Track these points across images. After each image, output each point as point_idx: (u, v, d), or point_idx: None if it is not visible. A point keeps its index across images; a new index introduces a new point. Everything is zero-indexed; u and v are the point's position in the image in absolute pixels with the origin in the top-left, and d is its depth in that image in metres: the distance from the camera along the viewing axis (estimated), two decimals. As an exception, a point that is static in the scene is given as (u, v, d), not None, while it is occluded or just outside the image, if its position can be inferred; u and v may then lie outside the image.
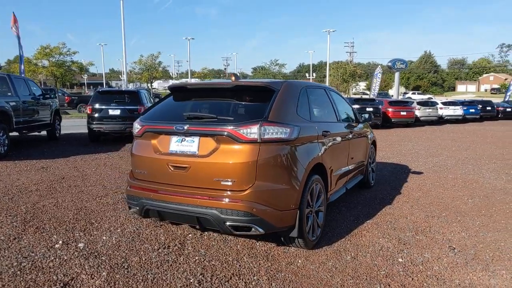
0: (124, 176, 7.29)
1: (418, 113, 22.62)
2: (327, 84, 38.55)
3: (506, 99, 36.78)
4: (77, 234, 4.35)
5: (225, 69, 77.29)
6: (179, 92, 4.29)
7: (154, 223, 4.66)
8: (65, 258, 3.67)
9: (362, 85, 70.54)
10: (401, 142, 13.83)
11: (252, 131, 3.37)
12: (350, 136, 5.32)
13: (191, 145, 3.58)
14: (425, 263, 3.68)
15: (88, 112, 11.99)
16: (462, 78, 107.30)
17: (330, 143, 4.45)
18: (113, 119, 12.11)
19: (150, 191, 3.72)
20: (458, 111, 25.45)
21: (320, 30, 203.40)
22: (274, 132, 3.41)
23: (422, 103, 24.08)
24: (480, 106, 27.39)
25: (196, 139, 3.57)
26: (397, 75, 31.81)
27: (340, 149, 4.88)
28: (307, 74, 79.20)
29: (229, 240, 4.17)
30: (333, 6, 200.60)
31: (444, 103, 25.96)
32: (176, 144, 3.66)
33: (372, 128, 19.98)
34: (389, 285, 3.25)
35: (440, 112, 24.49)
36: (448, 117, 24.99)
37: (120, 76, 69.92)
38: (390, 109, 21.03)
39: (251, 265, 3.60)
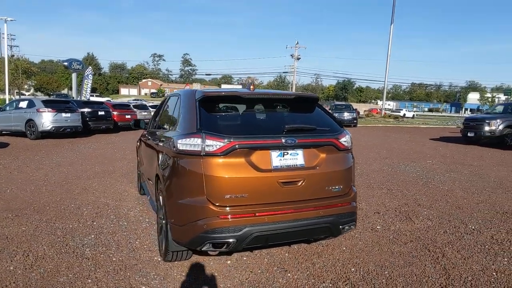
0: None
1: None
2: (7, 82, 32.21)
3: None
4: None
5: None
6: (231, 101, 3.71)
7: (182, 264, 3.77)
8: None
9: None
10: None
11: (346, 139, 3.74)
12: None
13: (295, 158, 3.45)
14: (392, 224, 5.20)
15: None
16: (124, 82, 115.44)
17: None
18: None
19: (261, 215, 3.24)
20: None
21: None
22: (350, 140, 3.89)
23: (138, 107, 25.26)
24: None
25: (300, 151, 3.47)
26: (74, 75, 30.80)
27: None
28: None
29: (289, 251, 4.13)
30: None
31: (151, 106, 28.22)
32: (278, 159, 3.38)
33: (104, 132, 19.47)
34: (419, 239, 4.55)
35: (153, 114, 26.58)
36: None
37: None
38: (115, 113, 20.89)
39: (349, 261, 3.93)
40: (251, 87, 3.97)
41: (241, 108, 3.75)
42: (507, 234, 4.85)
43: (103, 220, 5.24)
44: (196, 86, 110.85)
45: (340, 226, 3.61)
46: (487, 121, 15.39)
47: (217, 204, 3.21)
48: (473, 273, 3.75)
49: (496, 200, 6.57)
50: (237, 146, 3.24)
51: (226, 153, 3.22)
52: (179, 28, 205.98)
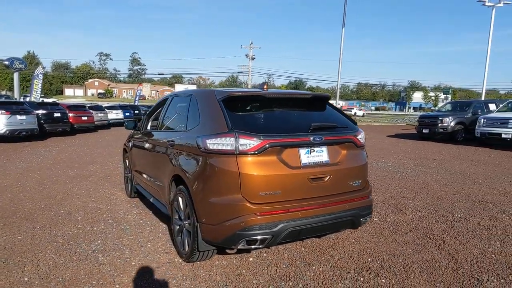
0: None
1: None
2: None
3: (136, 103, 42.45)
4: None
5: None
6: (254, 100, 3.75)
7: (209, 263, 3.76)
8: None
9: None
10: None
11: (362, 136, 3.94)
12: None
13: (321, 155, 3.58)
14: (387, 216, 5.51)
15: None
16: (69, 82, 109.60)
17: None
18: None
19: (294, 211, 3.33)
20: (120, 114, 27.51)
21: None
22: (364, 137, 4.09)
23: (93, 107, 24.18)
24: (132, 110, 30.77)
25: (324, 148, 3.61)
26: (16, 75, 28.80)
27: None
28: None
29: (304, 246, 4.24)
30: None
31: (107, 107, 27.14)
32: (306, 156, 3.50)
33: (61, 135, 18.56)
34: (417, 228, 4.86)
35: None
36: (113, 121, 26.38)
37: None
38: (71, 114, 19.85)
39: (363, 251, 4.12)
40: (265, 86, 4.04)
41: (262, 107, 3.80)
42: (490, 221, 5.32)
43: (102, 225, 5.06)
44: (146, 86, 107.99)
45: (361, 219, 3.80)
46: (440, 119, 16.55)
47: (253, 201, 3.26)
48: (475, 256, 4.10)
49: (469, 190, 7.15)
50: (269, 144, 3.31)
51: (260, 151, 3.28)
52: (127, 25, 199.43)
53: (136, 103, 42.87)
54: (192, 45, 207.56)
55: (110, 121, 25.75)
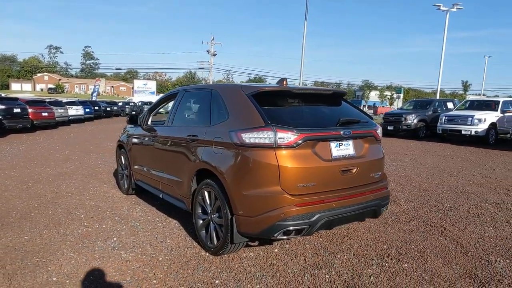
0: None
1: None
2: None
3: (94, 99, 40.83)
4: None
5: None
6: (281, 96, 3.83)
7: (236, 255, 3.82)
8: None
9: None
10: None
11: (380, 131, 4.16)
12: None
13: (348, 148, 3.75)
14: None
15: None
16: (15, 76, 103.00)
17: None
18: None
19: (328, 201, 3.47)
20: (80, 110, 26.38)
21: None
22: (381, 132, 4.32)
23: (53, 103, 22.99)
24: (92, 106, 29.60)
25: (350, 142, 3.78)
26: None
27: None
28: None
29: (321, 236, 4.39)
30: None
31: (67, 103, 25.89)
32: (336, 149, 3.65)
33: (20, 132, 17.61)
34: (416, 217, 5.18)
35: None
36: (73, 117, 25.24)
37: None
38: (31, 110, 18.78)
39: (377, 239, 4.34)
40: (284, 82, 4.15)
41: (289, 102, 3.91)
42: (477, 209, 5.79)
43: (110, 222, 4.94)
44: (101, 81, 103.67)
45: (381, 208, 4.03)
46: (404, 116, 17.44)
47: (291, 193, 3.36)
48: (476, 241, 4.47)
49: (449, 182, 7.68)
50: (305, 138, 3.43)
51: (297, 144, 3.39)
52: (79, 17, 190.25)
53: (94, 99, 41.27)
54: (149, 40, 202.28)
55: (70, 117, 24.61)
